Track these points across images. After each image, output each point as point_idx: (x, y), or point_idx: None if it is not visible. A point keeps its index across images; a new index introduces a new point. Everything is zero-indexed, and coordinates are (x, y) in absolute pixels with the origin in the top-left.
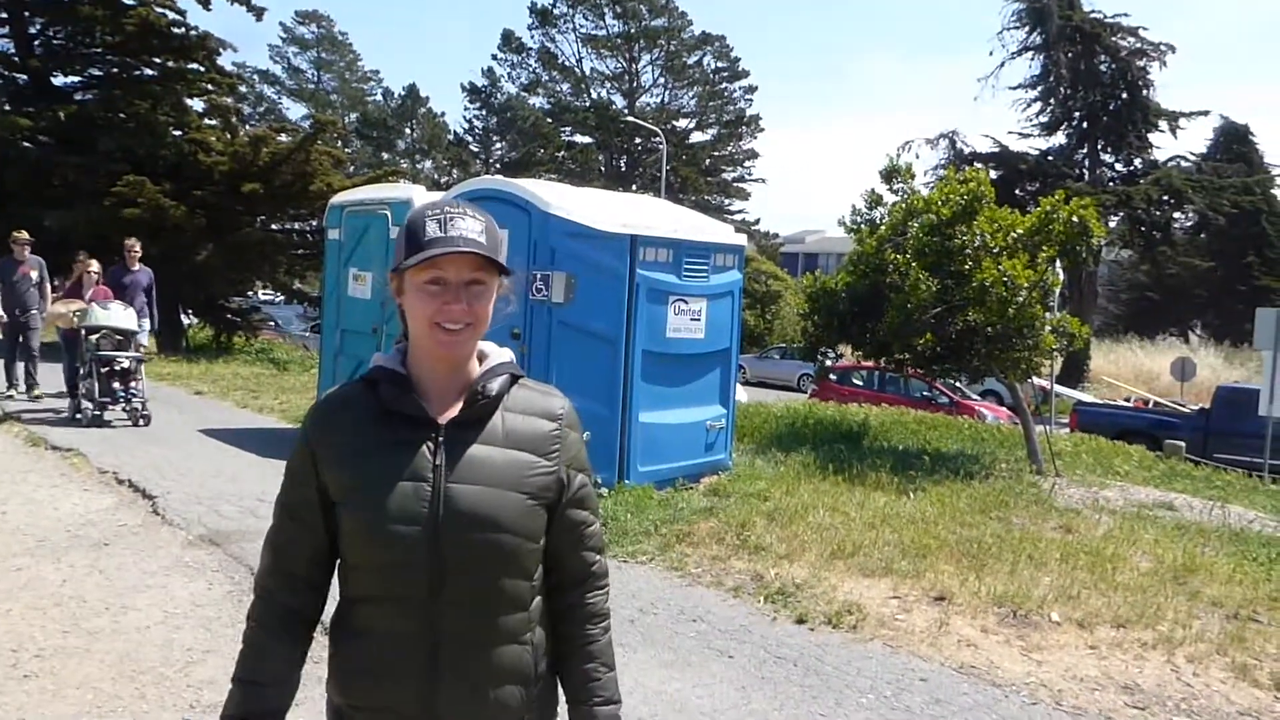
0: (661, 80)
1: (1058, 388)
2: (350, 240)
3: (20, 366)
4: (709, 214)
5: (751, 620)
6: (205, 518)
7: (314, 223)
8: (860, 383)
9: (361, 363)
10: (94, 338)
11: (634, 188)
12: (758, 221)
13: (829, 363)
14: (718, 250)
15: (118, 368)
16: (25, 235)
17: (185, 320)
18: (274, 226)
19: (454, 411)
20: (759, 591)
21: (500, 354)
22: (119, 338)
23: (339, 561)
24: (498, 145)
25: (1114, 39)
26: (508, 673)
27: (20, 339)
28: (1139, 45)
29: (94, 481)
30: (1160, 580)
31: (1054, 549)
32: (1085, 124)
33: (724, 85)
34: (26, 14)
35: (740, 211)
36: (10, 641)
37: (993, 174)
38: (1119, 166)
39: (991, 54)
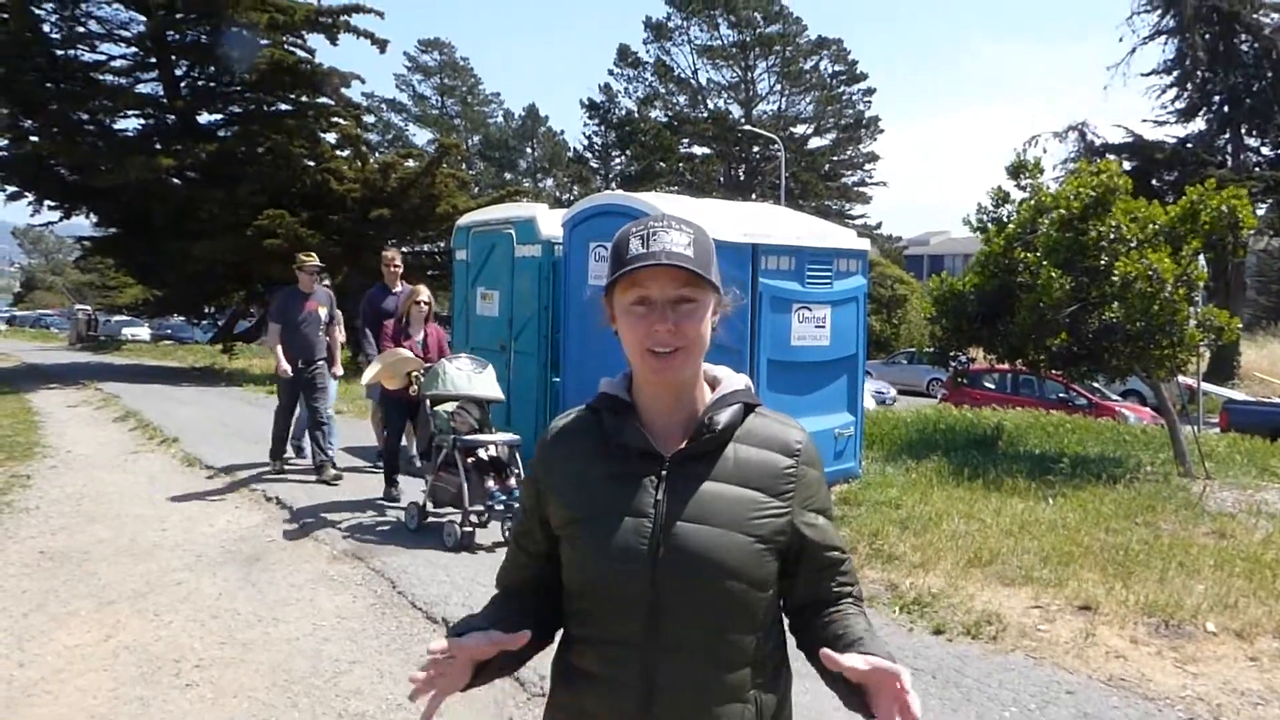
0: (778, 87)
1: (1205, 385)
2: (477, 260)
3: (293, 436)
4: (830, 219)
5: (886, 631)
6: (349, 533)
7: (442, 244)
8: (992, 386)
9: None
10: (445, 411)
11: (753, 196)
12: (880, 225)
13: (960, 366)
14: (840, 256)
15: (485, 457)
16: (315, 260)
17: None
18: (404, 249)
19: (680, 444)
20: (894, 601)
21: (734, 380)
22: (478, 411)
23: (563, 596)
24: (617, 160)
25: (1255, 16)
26: None
27: (302, 399)
28: None
29: (244, 499)
30: None
31: (1207, 555)
32: (1226, 108)
33: (842, 89)
34: (173, 58)
35: (862, 216)
36: (173, 652)
37: (1127, 165)
38: (1265, 151)
39: (1121, 40)
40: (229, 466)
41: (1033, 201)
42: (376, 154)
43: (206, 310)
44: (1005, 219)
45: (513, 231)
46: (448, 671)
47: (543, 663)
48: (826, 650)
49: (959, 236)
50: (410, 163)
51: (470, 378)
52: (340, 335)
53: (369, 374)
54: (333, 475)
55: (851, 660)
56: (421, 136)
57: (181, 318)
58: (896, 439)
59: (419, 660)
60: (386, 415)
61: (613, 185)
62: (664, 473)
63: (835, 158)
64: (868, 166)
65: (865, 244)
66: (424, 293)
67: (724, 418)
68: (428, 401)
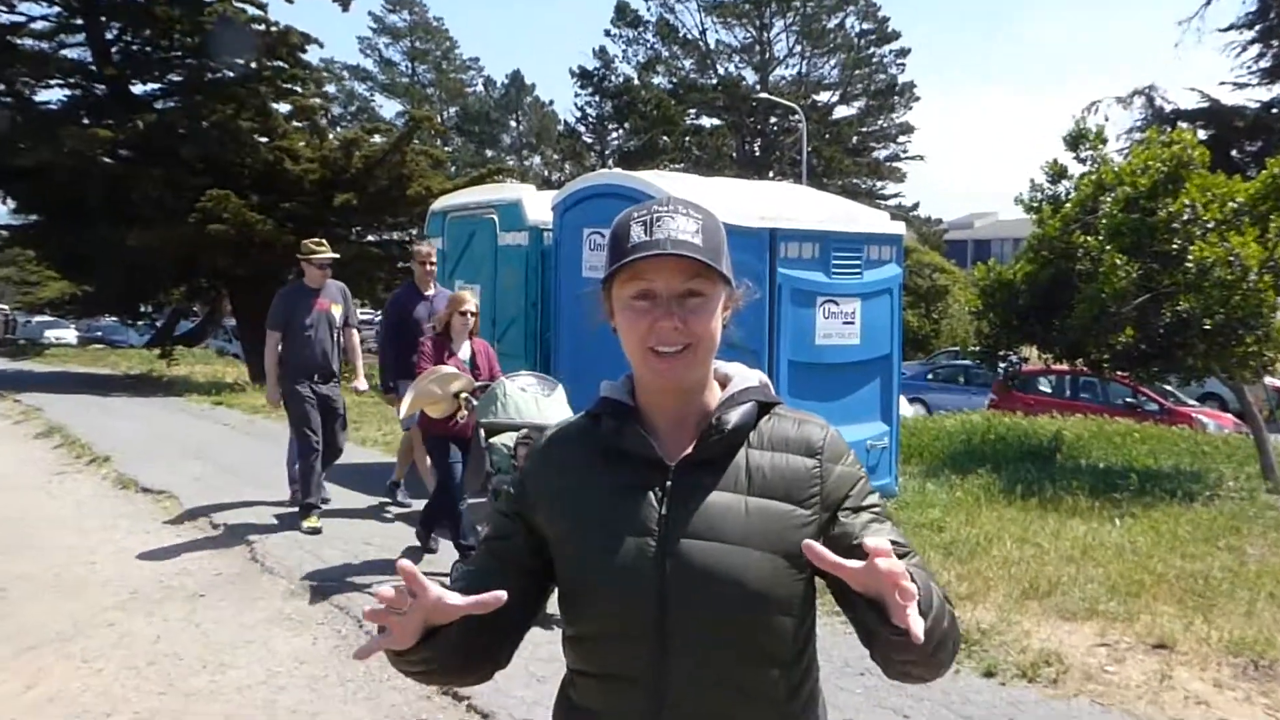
0: (798, 49)
1: None
2: (455, 250)
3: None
4: (859, 200)
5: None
6: (307, 563)
7: (414, 231)
8: (1048, 389)
9: None
10: (505, 444)
11: (771, 174)
12: (916, 206)
13: (1010, 367)
14: (871, 241)
15: None
16: (326, 249)
17: None
18: (370, 238)
19: (687, 450)
20: None
21: (746, 377)
22: None
23: (562, 632)
24: (614, 134)
25: None
26: None
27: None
28: None
29: (186, 527)
30: None
31: None
32: None
33: (871, 50)
34: (102, 19)
35: (896, 195)
36: (104, 705)
37: (1202, 134)
38: None
39: None
40: (169, 489)
41: (1094, 176)
42: (338, 129)
43: (143, 309)
44: (1062, 197)
45: (495, 217)
46: (404, 614)
47: (534, 712)
48: (809, 542)
49: (1008, 218)
50: (376, 138)
51: (538, 401)
52: (358, 340)
53: (406, 403)
54: (314, 525)
55: (849, 561)
56: (390, 108)
57: (114, 318)
58: (938, 451)
59: (397, 706)
60: (433, 457)
61: (610, 163)
62: (669, 483)
63: (864, 129)
64: (902, 139)
65: (900, 228)
66: (470, 300)
67: (734, 418)
68: (482, 432)
